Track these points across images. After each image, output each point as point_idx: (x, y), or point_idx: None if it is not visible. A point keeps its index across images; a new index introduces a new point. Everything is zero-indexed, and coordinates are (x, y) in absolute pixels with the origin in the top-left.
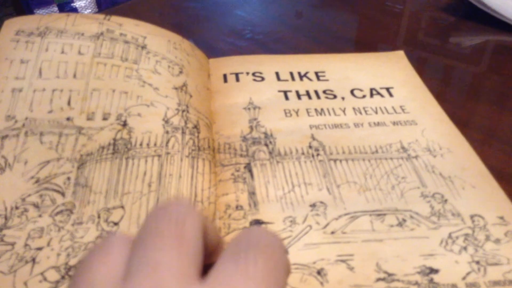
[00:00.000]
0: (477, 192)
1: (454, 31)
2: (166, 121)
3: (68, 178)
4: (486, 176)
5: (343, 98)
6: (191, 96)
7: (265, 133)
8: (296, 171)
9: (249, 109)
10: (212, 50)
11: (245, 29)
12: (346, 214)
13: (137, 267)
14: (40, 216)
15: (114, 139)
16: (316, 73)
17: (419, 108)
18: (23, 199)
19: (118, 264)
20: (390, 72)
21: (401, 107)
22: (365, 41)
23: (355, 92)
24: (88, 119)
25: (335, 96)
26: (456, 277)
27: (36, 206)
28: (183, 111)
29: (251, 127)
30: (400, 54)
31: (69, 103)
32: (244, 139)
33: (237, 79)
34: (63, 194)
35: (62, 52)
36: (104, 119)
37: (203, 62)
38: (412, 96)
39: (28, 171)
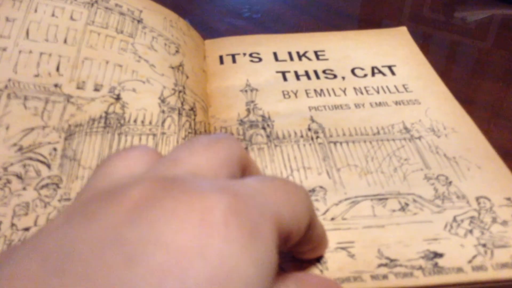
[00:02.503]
0: (483, 173)
1: (458, 6)
2: (163, 100)
3: (55, 149)
4: (492, 156)
5: (343, 78)
6: (187, 77)
7: (263, 116)
8: (295, 155)
9: (246, 91)
10: (208, 30)
11: (243, 7)
12: (346, 199)
13: (158, 163)
14: (24, 189)
15: (106, 112)
16: (316, 52)
17: (423, 87)
18: (5, 168)
19: (139, 162)
20: (392, 50)
21: (403, 86)
22: (369, 18)
23: (356, 71)
24: (78, 88)
25: (335, 76)
26: (461, 261)
27: (19, 177)
28: (180, 91)
29: (248, 110)
30: (402, 30)
31: (57, 69)
32: (241, 122)
33: (234, 61)
34: (48, 166)
35: (53, 15)
36: (96, 90)
37: (198, 43)
38: (415, 74)
39: (10, 137)
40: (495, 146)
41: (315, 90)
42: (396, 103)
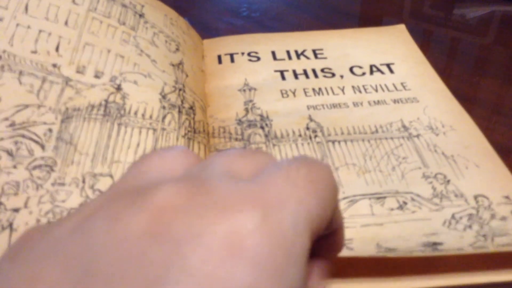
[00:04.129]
0: (481, 171)
1: (458, 2)
2: (163, 96)
3: (50, 130)
4: (490, 154)
5: (341, 77)
6: (187, 75)
7: (261, 115)
8: (293, 154)
9: (244, 90)
10: (206, 29)
11: (241, 6)
12: (344, 198)
13: (193, 166)
14: (14, 167)
15: (106, 101)
16: (314, 51)
17: (421, 85)
18: None
19: (175, 164)
20: (390, 48)
21: (402, 84)
22: (369, 16)
23: (355, 69)
24: (78, 72)
25: (333, 75)
26: (462, 245)
27: (10, 154)
28: (180, 90)
29: (246, 110)
30: (401, 28)
31: (57, 49)
32: (239, 122)
33: (232, 60)
34: (42, 147)
35: None
36: (96, 76)
37: (197, 42)
38: (414, 72)
39: (2, 111)
40: (494, 144)
41: (313, 89)
42: (395, 101)
